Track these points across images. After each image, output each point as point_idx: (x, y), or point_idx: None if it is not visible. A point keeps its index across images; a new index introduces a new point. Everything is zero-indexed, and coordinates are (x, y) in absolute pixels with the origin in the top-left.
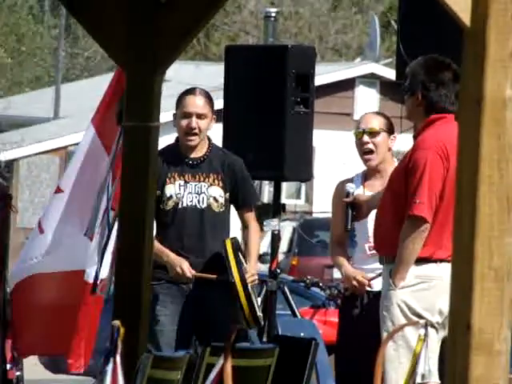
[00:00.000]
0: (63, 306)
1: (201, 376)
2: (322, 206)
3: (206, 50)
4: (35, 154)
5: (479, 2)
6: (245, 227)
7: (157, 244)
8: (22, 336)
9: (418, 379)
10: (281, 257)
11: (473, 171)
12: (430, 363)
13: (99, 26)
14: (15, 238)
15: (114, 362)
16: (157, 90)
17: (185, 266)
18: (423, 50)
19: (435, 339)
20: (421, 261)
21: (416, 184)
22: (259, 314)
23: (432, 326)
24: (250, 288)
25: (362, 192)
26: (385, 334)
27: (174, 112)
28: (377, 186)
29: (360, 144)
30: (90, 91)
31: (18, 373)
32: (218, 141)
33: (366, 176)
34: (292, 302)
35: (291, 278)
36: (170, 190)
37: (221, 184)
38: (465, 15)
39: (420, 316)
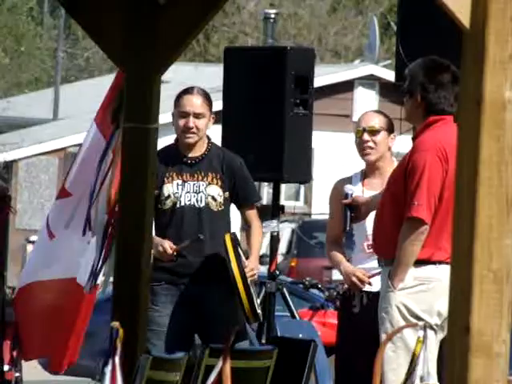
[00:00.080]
0: (62, 312)
1: (200, 377)
2: (321, 208)
3: (205, 51)
4: (34, 155)
5: (478, 4)
6: (247, 226)
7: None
8: (24, 341)
9: (417, 381)
10: (280, 258)
11: (472, 173)
12: (428, 365)
13: (98, 27)
14: (14, 240)
15: (113, 363)
16: (156, 91)
17: (166, 245)
18: (422, 52)
19: (434, 341)
20: (420, 263)
21: (415, 186)
22: (259, 311)
23: (431, 327)
24: (249, 282)
25: (361, 190)
26: (383, 336)
27: (173, 111)
28: (375, 184)
29: (360, 142)
30: (90, 92)
31: (17, 374)
32: (217, 142)
33: (365, 174)
34: (291, 304)
35: (290, 279)
36: (168, 189)
37: (219, 183)
38: (464, 17)
39: (419, 318)
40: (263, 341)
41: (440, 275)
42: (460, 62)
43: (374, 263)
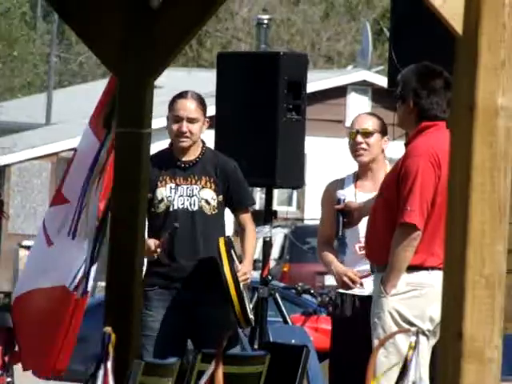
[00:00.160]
0: (55, 319)
1: (192, 382)
2: (314, 213)
3: (198, 56)
4: (27, 159)
5: (471, 10)
6: (241, 229)
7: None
8: (23, 351)
9: None
10: (272, 263)
11: (465, 179)
12: (421, 371)
13: (91, 32)
14: (6, 244)
15: (105, 368)
16: (149, 96)
17: (149, 242)
18: (415, 58)
19: (426, 347)
20: (412, 268)
21: (407, 191)
22: (251, 316)
23: (423, 333)
24: (241, 286)
25: (353, 192)
26: (376, 342)
27: (167, 115)
28: (368, 186)
29: (353, 144)
30: (83, 97)
31: (8, 379)
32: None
33: (358, 176)
34: (283, 309)
35: (282, 284)
36: (161, 192)
37: (213, 186)
38: (457, 23)
39: (411, 323)
40: (255, 346)
41: (432, 281)
42: (453, 68)
43: (366, 266)
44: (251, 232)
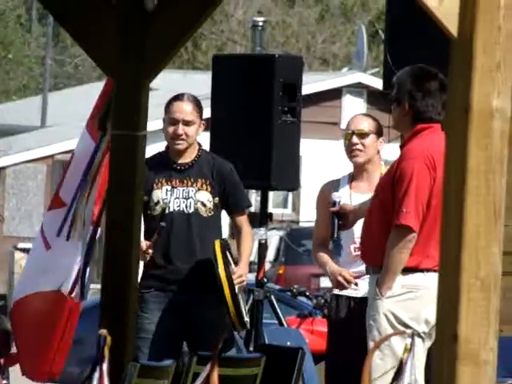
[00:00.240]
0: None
1: None
2: (309, 215)
3: (193, 58)
4: (22, 162)
5: (466, 13)
6: (238, 232)
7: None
8: (24, 358)
9: None
10: (267, 266)
11: (460, 182)
12: (416, 373)
13: (86, 34)
14: (1, 247)
15: (101, 371)
16: (144, 98)
17: (142, 244)
18: (410, 60)
19: (421, 349)
20: (407, 270)
21: (403, 193)
22: (246, 319)
23: (418, 335)
24: (236, 289)
25: (349, 193)
26: (371, 344)
27: (163, 117)
28: (363, 187)
29: (349, 145)
30: (78, 100)
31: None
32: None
33: (353, 177)
34: (279, 311)
35: (278, 286)
36: (157, 195)
37: (209, 189)
38: (452, 25)
39: (406, 326)
40: (251, 348)
41: (428, 283)
42: (448, 70)
43: (361, 267)
44: (247, 234)
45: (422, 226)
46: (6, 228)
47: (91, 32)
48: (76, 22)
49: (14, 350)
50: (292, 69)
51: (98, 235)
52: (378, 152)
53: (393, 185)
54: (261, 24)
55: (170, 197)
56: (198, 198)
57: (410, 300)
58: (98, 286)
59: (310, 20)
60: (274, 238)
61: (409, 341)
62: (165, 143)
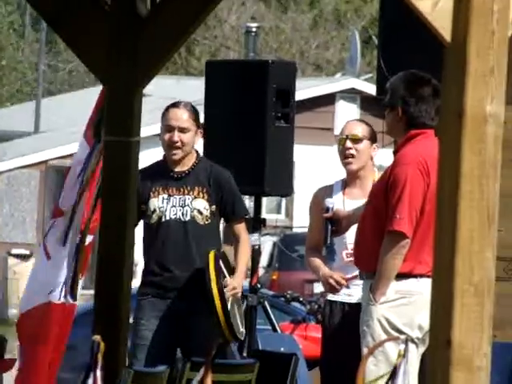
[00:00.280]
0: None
1: None
2: (303, 221)
3: (186, 64)
4: (16, 168)
5: (460, 18)
6: (235, 240)
7: None
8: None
9: None
10: (261, 271)
11: (453, 187)
12: (409, 378)
13: (79, 40)
14: None
15: (94, 377)
16: (137, 104)
17: None
18: (404, 66)
19: (415, 354)
20: (401, 276)
21: (396, 199)
22: (242, 329)
23: (412, 341)
24: (230, 301)
25: (342, 199)
26: (365, 350)
27: (160, 126)
28: (356, 193)
29: (342, 150)
30: (71, 105)
31: None
32: None
33: (346, 183)
34: (272, 317)
35: (271, 292)
36: (154, 203)
37: (206, 196)
38: (445, 30)
39: (400, 331)
40: (245, 354)
41: (421, 288)
42: (441, 75)
43: (355, 273)
44: (245, 242)
45: (416, 231)
46: None
47: (84, 37)
48: (69, 28)
49: (6, 356)
50: (285, 74)
51: (87, 241)
52: (372, 158)
53: (386, 191)
54: (254, 30)
55: (167, 205)
56: (195, 205)
57: (403, 306)
58: (92, 292)
59: (304, 26)
60: (267, 243)
61: (402, 346)
62: (158, 149)
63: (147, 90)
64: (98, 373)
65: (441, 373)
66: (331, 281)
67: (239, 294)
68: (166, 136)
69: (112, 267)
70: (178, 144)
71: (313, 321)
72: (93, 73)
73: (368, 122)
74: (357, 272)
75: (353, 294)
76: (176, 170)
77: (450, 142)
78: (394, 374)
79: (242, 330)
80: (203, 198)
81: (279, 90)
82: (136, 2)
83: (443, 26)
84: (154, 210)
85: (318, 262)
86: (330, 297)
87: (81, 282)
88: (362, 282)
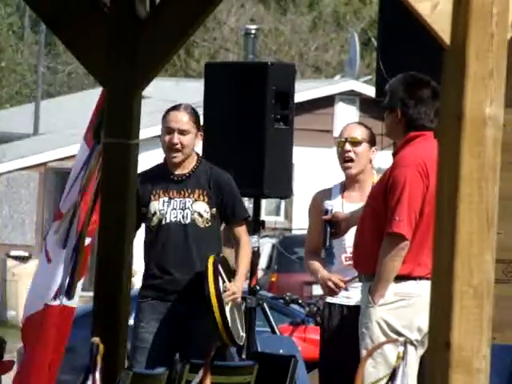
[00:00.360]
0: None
1: None
2: (302, 223)
3: (186, 66)
4: (15, 169)
5: (459, 20)
6: (236, 243)
7: None
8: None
9: None
10: (260, 273)
11: (453, 189)
12: (408, 381)
13: (79, 42)
14: None
15: (94, 379)
16: (136, 106)
17: None
18: (403, 68)
19: (414, 357)
20: (400, 278)
21: (395, 201)
22: (242, 334)
23: (411, 343)
24: (229, 305)
25: (341, 202)
26: (364, 352)
27: (160, 128)
28: (355, 197)
29: (342, 152)
30: (71, 107)
31: None
32: None
33: (345, 186)
34: (271, 319)
35: (270, 294)
36: (154, 206)
37: (206, 199)
38: (445, 33)
39: (399, 333)
40: (244, 356)
41: (420, 291)
42: (440, 78)
43: (354, 275)
44: (246, 245)
45: (415, 233)
46: None
47: (83, 39)
48: (68, 30)
49: (6, 357)
50: (284, 76)
51: (86, 243)
52: (371, 161)
53: (385, 193)
54: (253, 32)
55: (167, 208)
56: (195, 208)
57: (402, 308)
58: (91, 294)
59: (303, 28)
60: (266, 245)
61: (401, 349)
62: (157, 151)
63: (146, 92)
64: (97, 375)
65: (440, 375)
66: (330, 283)
67: (239, 299)
68: (166, 138)
69: (111, 269)
70: (178, 146)
71: (312, 323)
72: (92, 75)
73: (367, 124)
74: (355, 274)
75: (351, 296)
76: (176, 172)
77: (449, 145)
78: (392, 376)
79: (243, 334)
80: (203, 200)
81: (278, 91)
82: (135, 4)
83: (442, 28)
84: (155, 213)
85: (316, 264)
86: (329, 299)
87: (80, 284)
88: (360, 284)
